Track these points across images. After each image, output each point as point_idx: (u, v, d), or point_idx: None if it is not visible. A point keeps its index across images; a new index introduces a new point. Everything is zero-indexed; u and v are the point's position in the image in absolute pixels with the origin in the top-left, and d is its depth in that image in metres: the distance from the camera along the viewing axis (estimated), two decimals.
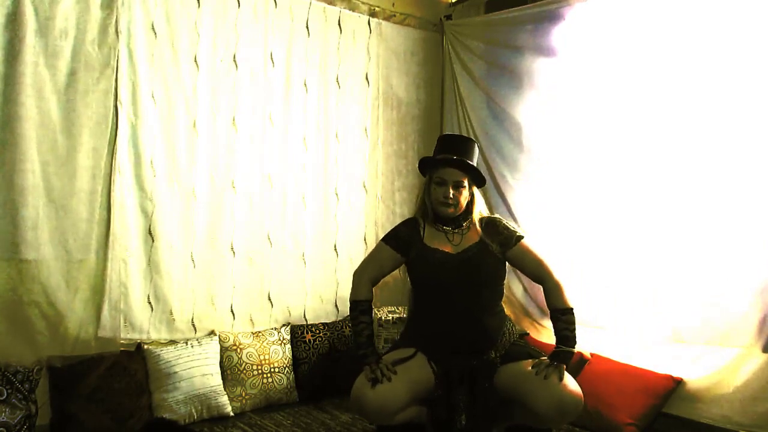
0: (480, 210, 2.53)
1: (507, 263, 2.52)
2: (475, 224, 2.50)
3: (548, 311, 2.48)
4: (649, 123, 3.12)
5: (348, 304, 3.86)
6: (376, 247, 2.62)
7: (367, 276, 2.53)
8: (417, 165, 4.10)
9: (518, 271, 3.47)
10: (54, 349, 2.82)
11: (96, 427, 2.72)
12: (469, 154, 2.48)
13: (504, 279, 2.54)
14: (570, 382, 2.24)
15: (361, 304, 2.48)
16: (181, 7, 3.21)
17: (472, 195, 2.49)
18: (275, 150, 3.57)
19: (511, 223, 2.56)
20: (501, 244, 2.46)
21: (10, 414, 2.51)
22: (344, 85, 3.85)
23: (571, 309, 2.38)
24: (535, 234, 3.57)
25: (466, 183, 2.45)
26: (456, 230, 2.49)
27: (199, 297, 3.31)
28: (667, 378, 2.97)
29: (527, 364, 2.32)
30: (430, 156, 2.56)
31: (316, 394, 3.40)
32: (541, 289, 2.48)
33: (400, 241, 2.51)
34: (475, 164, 2.49)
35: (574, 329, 2.36)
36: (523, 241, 2.47)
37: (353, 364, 3.53)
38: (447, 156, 2.45)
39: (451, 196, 2.42)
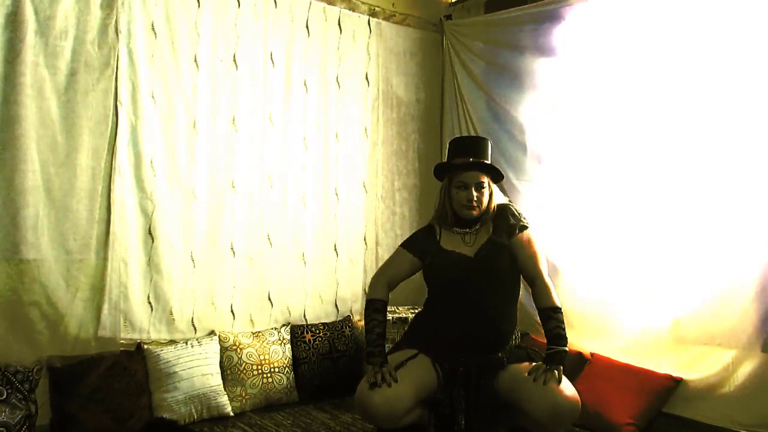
0: (497, 202, 2.54)
1: None
2: (488, 220, 2.51)
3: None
4: (649, 124, 3.12)
5: (348, 304, 3.90)
6: (395, 251, 2.65)
7: (384, 278, 2.56)
8: (416, 165, 4.16)
9: None
10: (54, 349, 2.82)
11: (96, 427, 2.72)
12: (485, 153, 2.52)
13: (519, 275, 2.53)
14: (567, 387, 2.23)
15: (375, 302, 2.49)
16: (181, 7, 3.21)
17: (491, 192, 2.51)
18: (275, 150, 3.57)
19: (519, 211, 2.55)
20: (507, 234, 2.47)
21: (9, 414, 2.51)
22: (344, 85, 3.85)
23: (560, 308, 2.38)
24: (538, 232, 3.58)
25: (486, 182, 2.47)
26: (471, 231, 2.51)
27: (199, 297, 3.31)
28: (667, 378, 2.97)
29: (524, 368, 2.33)
30: (445, 161, 2.56)
31: (316, 394, 3.41)
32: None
33: (417, 247, 2.55)
34: (489, 162, 2.51)
35: (565, 328, 2.36)
36: (526, 231, 2.47)
37: (353, 364, 3.55)
38: (464, 159, 2.47)
39: (475, 198, 2.44)
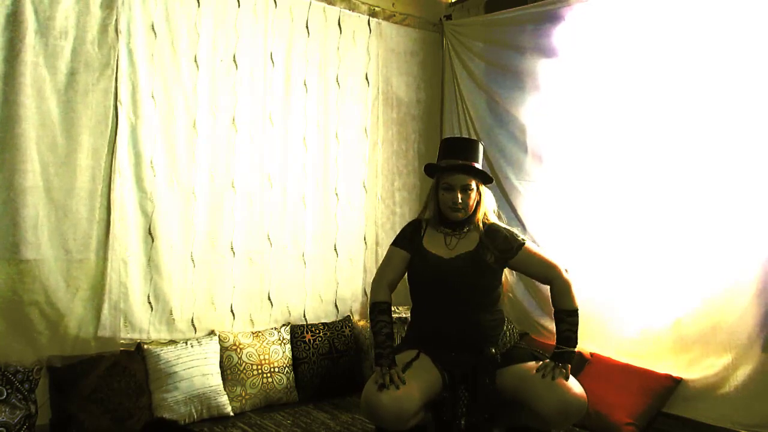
0: (486, 209, 2.54)
1: (507, 269, 2.57)
2: (477, 227, 2.51)
3: (549, 310, 2.48)
4: (650, 124, 3.12)
5: (348, 304, 3.90)
6: (388, 252, 2.64)
7: (384, 281, 2.56)
8: (416, 165, 4.17)
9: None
10: (54, 349, 2.82)
11: (96, 427, 2.72)
12: (474, 155, 2.49)
13: (498, 286, 2.54)
14: (574, 385, 2.25)
15: (379, 304, 2.49)
16: (181, 7, 3.21)
17: (479, 194, 2.51)
18: (275, 150, 3.57)
19: (512, 230, 2.54)
20: (501, 253, 2.47)
21: (9, 414, 2.51)
22: (344, 85, 3.85)
23: (576, 310, 2.40)
24: (538, 233, 3.58)
25: (473, 185, 2.47)
26: (455, 233, 2.51)
27: (199, 297, 3.31)
28: (666, 378, 2.97)
29: (530, 366, 2.33)
30: (434, 162, 2.57)
31: (316, 394, 3.41)
32: (541, 288, 2.49)
33: (407, 242, 2.56)
34: (480, 164, 2.50)
35: (577, 330, 2.38)
36: (525, 246, 2.49)
37: (353, 364, 3.56)
38: (452, 161, 2.46)
39: (460, 200, 2.44)
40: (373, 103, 4.00)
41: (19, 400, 2.57)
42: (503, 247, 2.47)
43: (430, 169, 2.57)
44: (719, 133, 2.86)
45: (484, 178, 2.50)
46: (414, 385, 2.26)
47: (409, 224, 2.65)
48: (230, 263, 3.42)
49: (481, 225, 2.51)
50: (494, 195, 2.62)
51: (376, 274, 2.66)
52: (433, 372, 2.36)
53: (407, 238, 2.57)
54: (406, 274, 2.59)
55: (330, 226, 3.81)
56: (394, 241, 2.63)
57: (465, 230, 2.51)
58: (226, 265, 3.41)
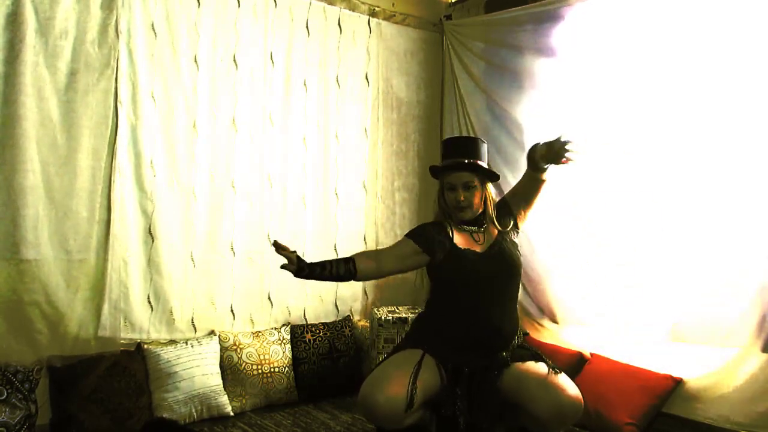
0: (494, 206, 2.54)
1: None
2: (492, 220, 2.51)
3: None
4: (648, 125, 3.12)
5: (348, 304, 3.89)
6: (399, 241, 2.54)
7: (374, 252, 2.49)
8: (416, 165, 4.17)
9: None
10: (54, 349, 2.83)
11: (96, 427, 2.72)
12: (476, 153, 2.49)
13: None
14: (570, 387, 2.25)
15: (349, 261, 2.37)
16: (181, 7, 3.21)
17: (486, 192, 2.50)
18: (275, 150, 3.57)
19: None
20: (505, 218, 2.52)
21: (10, 414, 2.51)
22: (344, 85, 3.85)
23: None
24: (537, 232, 3.58)
25: (476, 183, 2.45)
26: (479, 230, 2.50)
27: (199, 297, 3.31)
28: (666, 378, 2.97)
29: (528, 368, 2.33)
30: (437, 164, 2.57)
31: (316, 394, 3.41)
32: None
33: (427, 240, 2.46)
34: (484, 162, 2.49)
35: None
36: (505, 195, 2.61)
37: (353, 364, 3.56)
38: (453, 160, 2.46)
39: (463, 199, 2.44)
40: (373, 103, 4.00)
41: (19, 400, 2.57)
42: (504, 212, 2.53)
43: (433, 171, 2.57)
44: (718, 133, 2.86)
45: (488, 174, 2.50)
46: (411, 384, 2.25)
47: (432, 225, 2.54)
48: (230, 263, 3.42)
49: (495, 220, 2.51)
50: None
51: (375, 250, 2.56)
52: (433, 372, 2.36)
53: (428, 237, 2.46)
54: (432, 275, 2.52)
55: (330, 226, 3.81)
56: (409, 233, 2.52)
57: (485, 226, 2.51)
58: (226, 265, 3.41)
